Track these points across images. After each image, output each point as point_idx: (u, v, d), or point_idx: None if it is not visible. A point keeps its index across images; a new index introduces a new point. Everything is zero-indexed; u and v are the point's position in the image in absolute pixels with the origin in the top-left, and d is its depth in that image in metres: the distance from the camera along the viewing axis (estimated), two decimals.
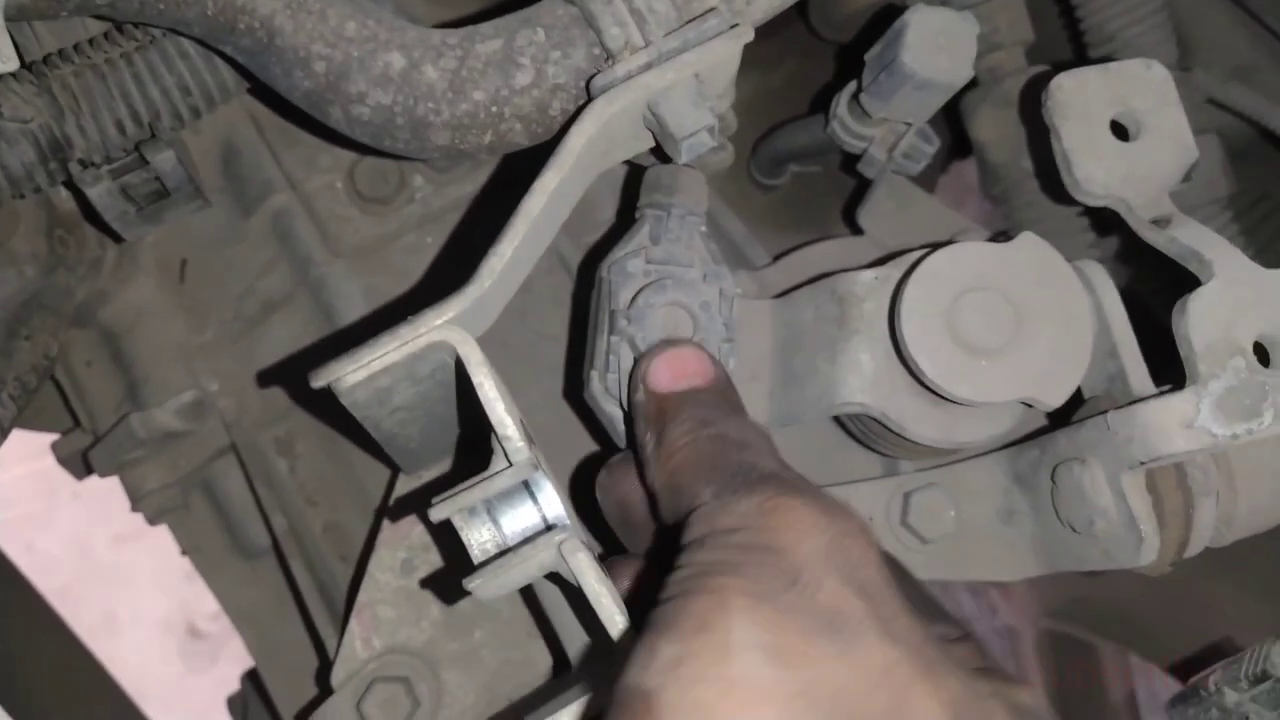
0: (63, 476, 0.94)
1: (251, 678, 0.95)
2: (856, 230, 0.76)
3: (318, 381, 0.49)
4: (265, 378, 0.78)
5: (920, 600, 0.50)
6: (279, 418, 0.79)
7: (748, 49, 0.56)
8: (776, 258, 0.75)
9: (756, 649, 0.38)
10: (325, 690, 0.69)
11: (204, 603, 0.87)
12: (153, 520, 0.82)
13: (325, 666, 0.71)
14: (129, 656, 1.79)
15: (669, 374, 0.53)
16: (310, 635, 0.77)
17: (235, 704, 1.01)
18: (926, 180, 1.07)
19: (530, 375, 0.74)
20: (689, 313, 0.59)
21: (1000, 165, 0.78)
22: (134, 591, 1.85)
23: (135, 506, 0.82)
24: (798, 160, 0.87)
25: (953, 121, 0.87)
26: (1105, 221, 0.85)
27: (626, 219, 0.64)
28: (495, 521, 0.52)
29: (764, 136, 0.88)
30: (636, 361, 0.55)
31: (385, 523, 0.71)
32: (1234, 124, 0.95)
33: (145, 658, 1.81)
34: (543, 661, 0.70)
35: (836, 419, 0.69)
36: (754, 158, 0.91)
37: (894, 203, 0.75)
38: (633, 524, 0.54)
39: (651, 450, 0.51)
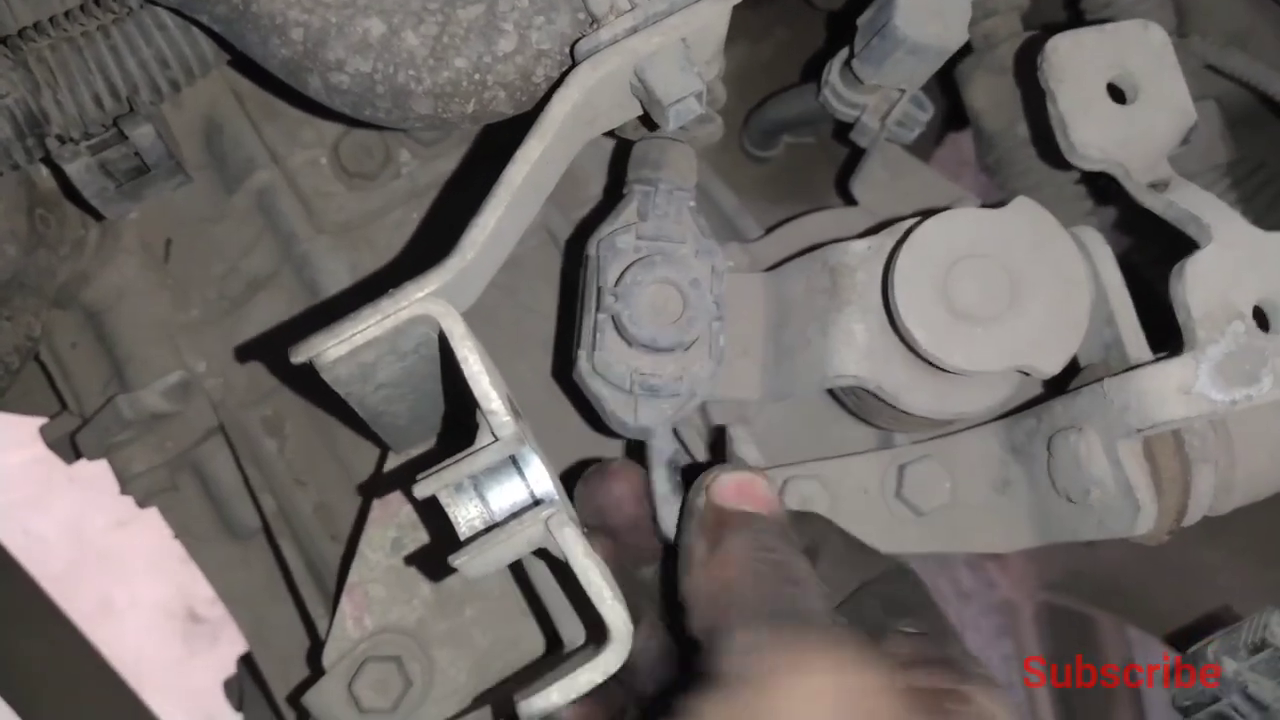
0: (58, 461, 0.93)
1: (247, 661, 0.95)
2: (850, 200, 0.75)
3: (298, 357, 0.48)
4: (251, 357, 0.77)
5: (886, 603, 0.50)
6: (266, 397, 0.78)
7: (737, 19, 0.55)
8: (769, 230, 0.74)
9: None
10: (317, 671, 0.68)
11: (203, 586, 0.86)
12: (142, 503, 0.81)
13: (317, 647, 0.71)
14: (128, 641, 1.79)
15: (736, 493, 0.52)
16: (301, 616, 0.76)
17: (232, 687, 1.01)
18: (922, 153, 1.06)
19: (519, 351, 0.73)
20: (678, 289, 0.58)
21: (996, 133, 0.77)
22: (132, 576, 1.84)
23: (124, 489, 0.81)
24: (790, 131, 0.86)
25: (949, 93, 0.86)
26: (1102, 190, 0.83)
27: (614, 195, 0.63)
28: (482, 498, 0.51)
29: (755, 107, 0.87)
30: (701, 468, 0.54)
31: (375, 502, 0.70)
32: (1232, 90, 0.93)
33: (145, 642, 1.81)
34: (534, 639, 0.69)
35: (830, 392, 0.68)
36: (746, 129, 0.89)
37: (888, 172, 0.74)
38: (607, 530, 0.55)
39: (702, 555, 0.50)
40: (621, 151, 0.66)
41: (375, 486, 0.69)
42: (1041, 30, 0.77)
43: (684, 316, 0.58)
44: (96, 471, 0.86)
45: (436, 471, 0.48)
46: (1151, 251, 0.81)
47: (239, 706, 0.97)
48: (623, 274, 0.58)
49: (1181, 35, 0.88)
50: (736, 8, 0.54)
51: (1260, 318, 0.52)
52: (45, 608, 1.39)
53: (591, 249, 0.60)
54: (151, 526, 0.93)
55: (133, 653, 1.80)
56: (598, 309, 0.58)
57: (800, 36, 0.91)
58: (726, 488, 0.52)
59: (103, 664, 1.48)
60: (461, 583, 0.70)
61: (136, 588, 1.83)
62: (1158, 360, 0.53)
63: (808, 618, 0.46)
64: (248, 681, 0.94)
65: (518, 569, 0.67)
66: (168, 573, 1.79)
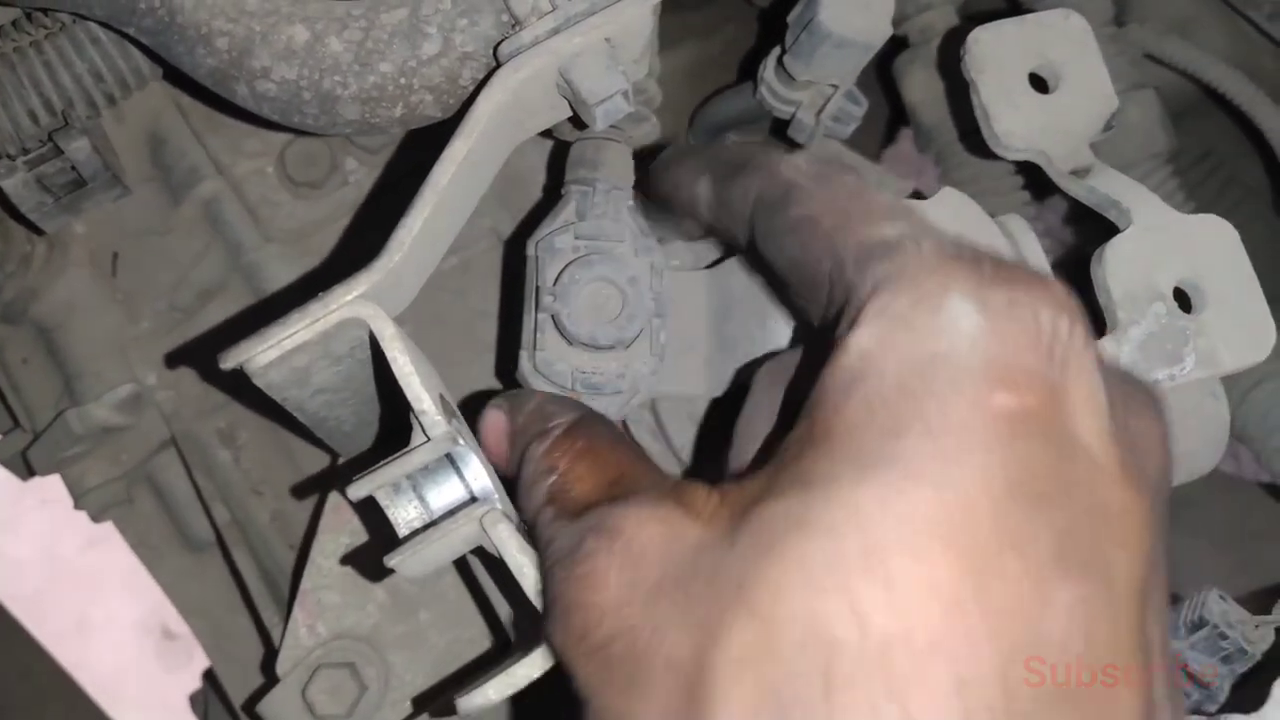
0: (30, 482, 0.93)
1: (211, 674, 0.95)
2: None
3: (227, 363, 0.49)
4: (200, 367, 0.77)
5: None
6: (220, 408, 0.78)
7: (685, 18, 0.56)
8: None
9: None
10: (273, 680, 0.68)
11: None
12: (96, 517, 0.81)
13: (273, 656, 0.71)
14: (103, 660, 1.78)
15: (494, 443, 0.50)
16: (257, 625, 0.76)
17: (197, 700, 1.01)
18: (871, 150, 1.07)
19: (473, 354, 0.74)
20: (617, 287, 0.59)
21: (933, 126, 0.78)
22: (106, 594, 1.83)
23: (78, 504, 0.81)
24: (733, 128, 0.86)
25: (894, 92, 0.87)
26: (1041, 182, 0.85)
27: (555, 195, 0.64)
28: (422, 498, 0.51)
29: (699, 106, 0.88)
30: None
31: (326, 508, 0.70)
32: (1177, 81, 0.95)
33: (120, 660, 1.80)
34: (492, 639, 0.70)
35: None
36: (691, 128, 0.90)
37: None
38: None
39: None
40: (560, 153, 0.66)
41: (306, 488, 0.69)
42: (968, 21, 0.78)
43: (623, 314, 0.58)
44: (67, 491, 0.86)
45: (368, 473, 0.49)
46: (1100, 242, 0.83)
47: (204, 719, 0.97)
48: (561, 273, 0.59)
49: (1120, 24, 0.90)
50: (684, 8, 0.55)
51: (1181, 298, 0.53)
52: (8, 628, 1.38)
53: (531, 249, 0.61)
54: (124, 544, 0.93)
55: (109, 671, 1.79)
56: (537, 309, 0.59)
57: (748, 34, 0.92)
58: (490, 443, 0.49)
59: (75, 687, 1.47)
60: (417, 587, 0.70)
61: (110, 606, 1.82)
62: None
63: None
64: (212, 695, 0.94)
65: (471, 573, 0.68)
66: (141, 590, 1.78)
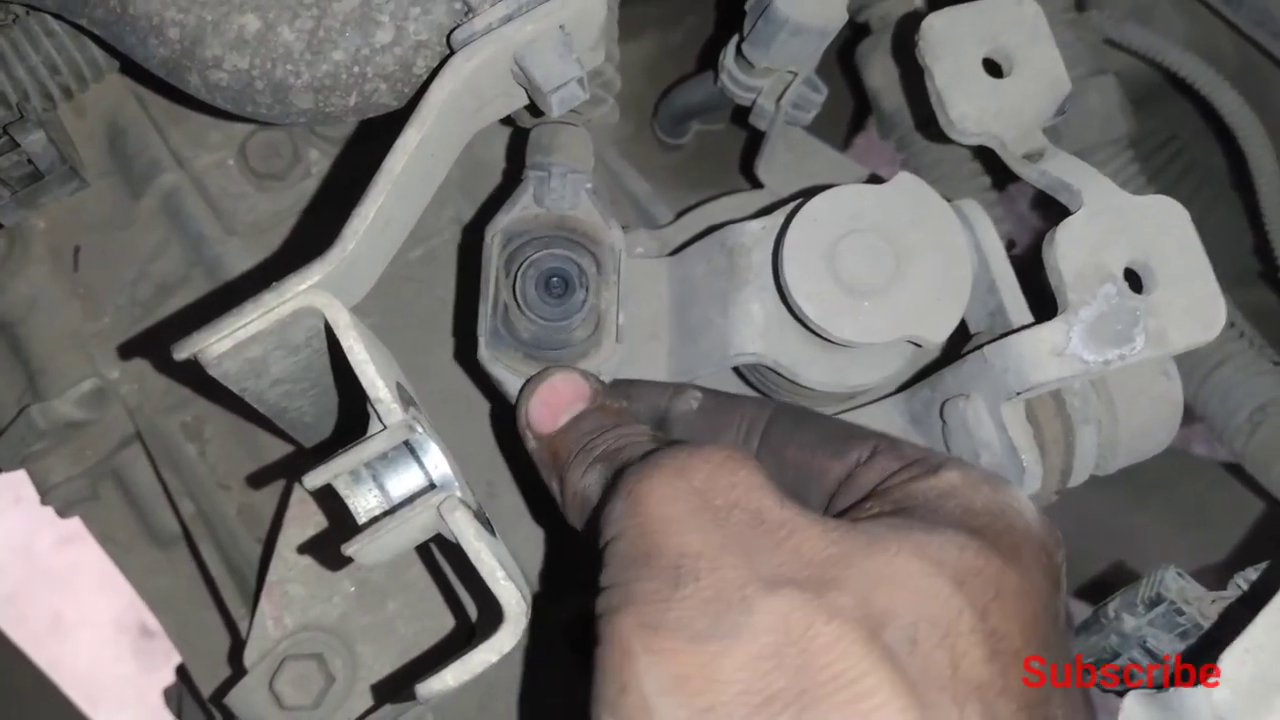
0: (1, 482, 0.92)
1: (182, 668, 0.94)
2: (757, 184, 0.76)
3: (180, 353, 0.48)
4: (164, 362, 0.76)
5: (819, 434, 0.51)
6: (185, 402, 0.78)
7: (648, 8, 0.56)
8: (679, 215, 0.75)
9: (666, 695, 0.39)
10: (240, 671, 0.68)
11: None
12: (62, 513, 0.81)
13: (240, 647, 0.71)
14: (80, 658, 1.77)
15: (549, 413, 0.52)
16: (224, 618, 0.76)
17: (171, 695, 1.00)
18: (837, 138, 1.07)
19: (438, 343, 0.74)
20: (573, 271, 0.59)
21: (895, 112, 0.79)
22: (82, 593, 1.82)
23: (44, 500, 0.80)
24: (697, 117, 0.87)
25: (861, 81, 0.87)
26: (1005, 169, 0.85)
27: (515, 181, 0.64)
28: (381, 487, 0.52)
29: (663, 95, 0.88)
30: (517, 403, 0.54)
31: (292, 501, 0.70)
32: (1138, 66, 0.96)
33: (97, 659, 1.79)
34: (460, 628, 0.70)
35: (737, 371, 0.69)
36: (655, 117, 0.90)
37: (791, 154, 0.75)
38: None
39: (560, 498, 0.51)
40: (519, 139, 0.66)
41: (280, 477, 0.69)
42: (931, 6, 0.78)
43: (580, 297, 0.58)
44: None
45: (325, 463, 0.49)
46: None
47: (178, 714, 0.96)
48: (518, 258, 0.59)
49: (1081, 9, 0.90)
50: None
51: (1132, 279, 0.54)
52: None
53: (488, 235, 0.61)
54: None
55: (86, 670, 1.78)
56: (495, 294, 0.59)
57: (710, 23, 0.92)
58: (540, 417, 0.52)
59: (52, 686, 1.46)
60: (383, 577, 0.70)
61: (86, 604, 1.81)
62: (1033, 325, 0.54)
63: (627, 464, 0.46)
64: (185, 689, 0.94)
65: (436, 563, 0.68)
66: (117, 588, 1.77)
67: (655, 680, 0.39)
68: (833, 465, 0.49)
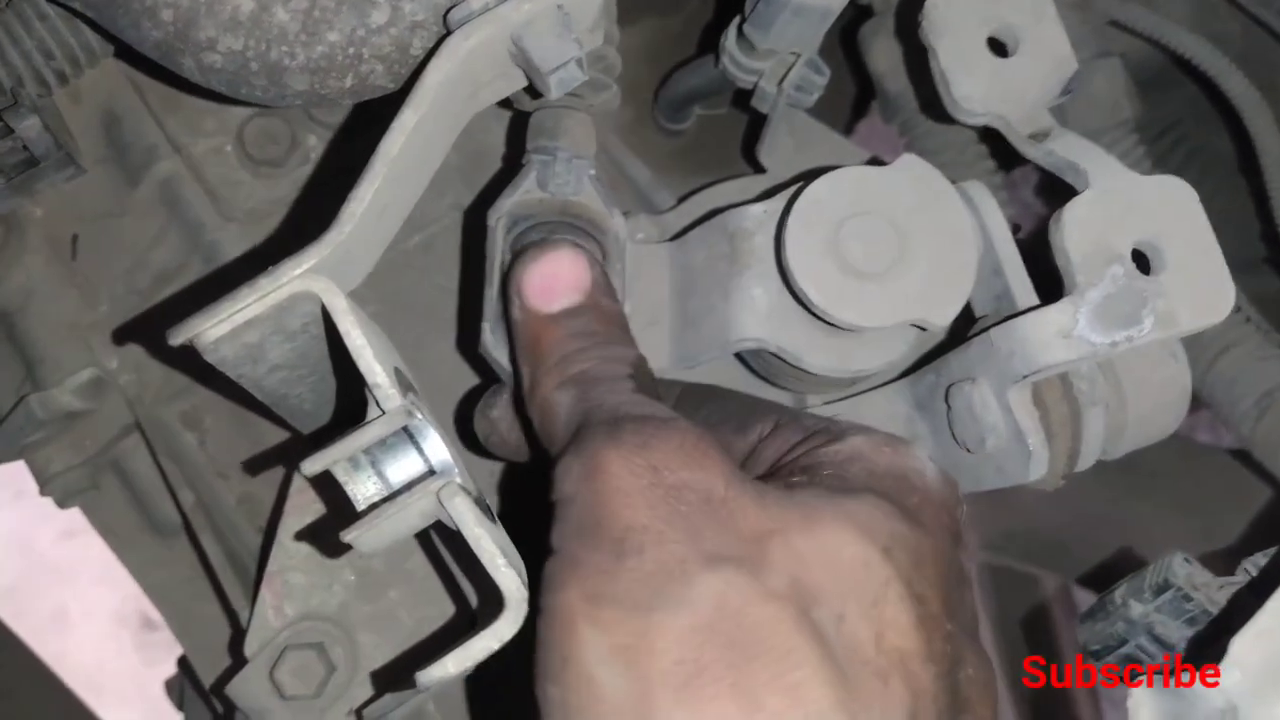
0: (2, 475, 0.91)
1: (184, 660, 0.94)
2: (759, 169, 0.75)
3: (175, 339, 0.48)
4: (163, 350, 0.76)
5: (722, 412, 0.52)
6: (184, 391, 0.77)
7: None
8: (680, 200, 0.75)
9: (606, 664, 0.40)
10: (240, 661, 0.68)
11: None
12: (62, 503, 0.80)
13: (241, 637, 0.70)
14: (83, 652, 1.77)
15: (544, 290, 0.52)
16: (225, 608, 0.76)
17: (173, 687, 1.00)
18: (840, 122, 1.06)
19: (439, 331, 0.73)
20: None
21: (898, 94, 0.78)
22: (83, 587, 1.82)
23: (43, 490, 0.80)
24: (698, 102, 0.86)
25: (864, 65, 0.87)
26: (1010, 152, 0.84)
27: (516, 166, 0.63)
28: (380, 474, 0.51)
29: (664, 80, 0.87)
30: (511, 264, 0.54)
31: (292, 489, 0.70)
32: (1144, 49, 0.95)
33: (100, 652, 1.79)
34: (461, 616, 0.69)
35: (739, 358, 0.68)
36: (656, 103, 0.89)
37: (792, 138, 0.74)
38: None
39: (526, 390, 0.51)
40: (519, 123, 0.65)
41: (279, 464, 0.68)
42: None
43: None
44: None
45: (323, 449, 0.48)
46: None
47: (180, 705, 0.96)
48: (522, 243, 0.58)
49: None
50: None
51: (1140, 260, 0.53)
52: None
53: (491, 220, 0.60)
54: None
55: (89, 663, 1.78)
56: (501, 279, 0.58)
57: (709, 8, 0.91)
58: (533, 287, 0.52)
59: (55, 680, 1.46)
60: (385, 566, 0.70)
61: (88, 597, 1.81)
62: (1040, 307, 0.53)
63: (599, 421, 0.46)
64: (186, 681, 0.93)
65: (437, 552, 0.67)
66: (118, 581, 1.77)
67: (597, 650, 0.40)
68: (735, 441, 0.51)
